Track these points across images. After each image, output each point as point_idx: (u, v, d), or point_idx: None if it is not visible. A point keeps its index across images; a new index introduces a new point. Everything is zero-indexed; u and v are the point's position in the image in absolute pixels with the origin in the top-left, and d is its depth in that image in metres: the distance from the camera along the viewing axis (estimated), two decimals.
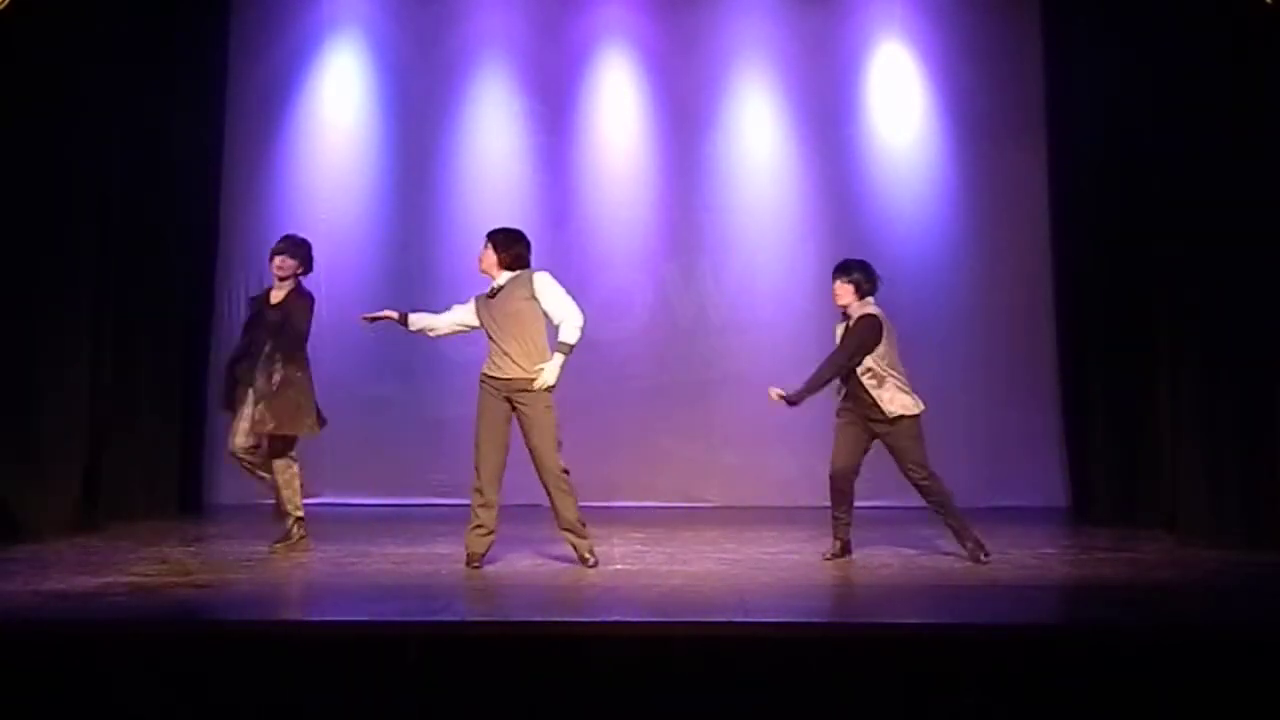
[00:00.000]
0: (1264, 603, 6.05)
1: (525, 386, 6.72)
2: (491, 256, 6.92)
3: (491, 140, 10.41)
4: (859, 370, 7.00)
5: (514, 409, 6.77)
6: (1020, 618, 5.74)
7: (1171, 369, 8.20)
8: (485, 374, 6.85)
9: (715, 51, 10.40)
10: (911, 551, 7.42)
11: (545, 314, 6.85)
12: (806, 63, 10.37)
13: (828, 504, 9.64)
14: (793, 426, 10.13)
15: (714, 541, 7.85)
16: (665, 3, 10.47)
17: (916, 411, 7.04)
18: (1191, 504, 7.80)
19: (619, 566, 6.91)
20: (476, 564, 6.75)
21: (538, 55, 10.41)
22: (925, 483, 7.05)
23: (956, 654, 4.91)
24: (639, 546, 7.63)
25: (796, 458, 10.08)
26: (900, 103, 10.36)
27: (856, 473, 7.20)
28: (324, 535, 7.59)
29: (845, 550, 7.22)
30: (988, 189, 10.20)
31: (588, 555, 6.82)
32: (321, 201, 10.27)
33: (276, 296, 7.29)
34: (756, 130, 10.40)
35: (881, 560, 7.17)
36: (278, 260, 7.32)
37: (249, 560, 6.96)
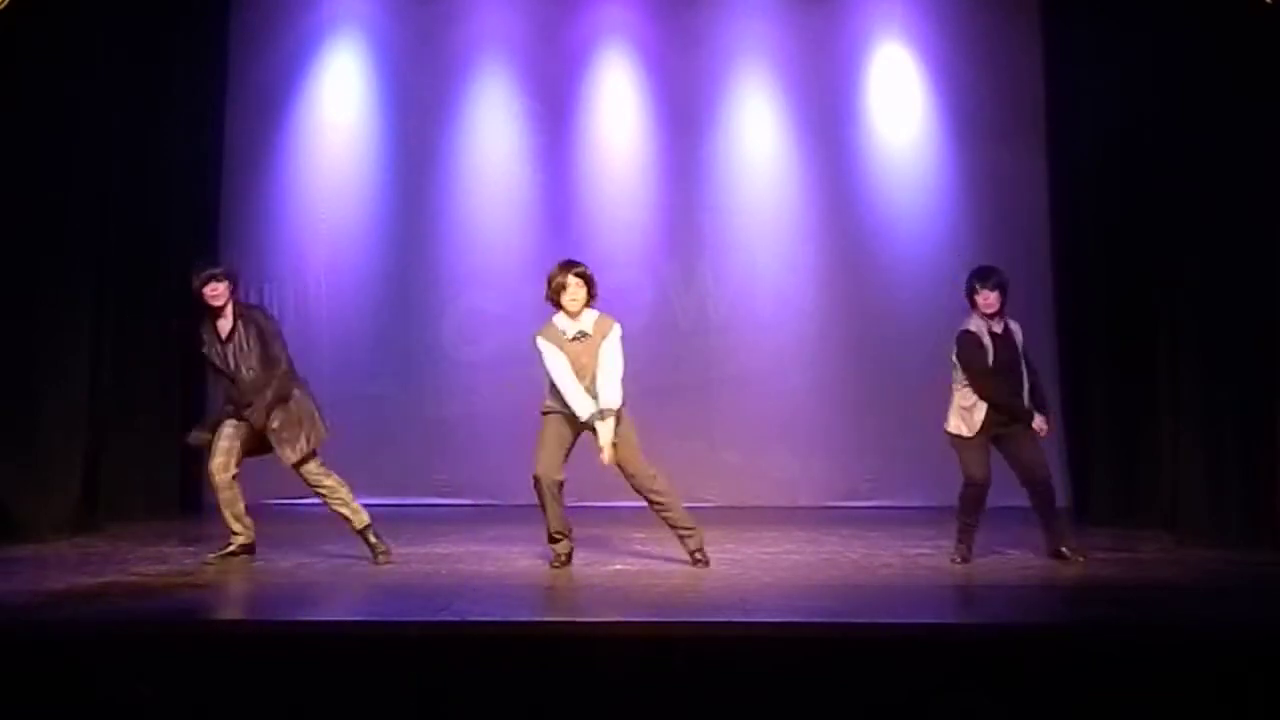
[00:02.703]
0: (1264, 603, 6.05)
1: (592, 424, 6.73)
2: (584, 295, 6.85)
3: (491, 140, 10.40)
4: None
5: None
6: (1020, 618, 5.74)
7: (1171, 369, 8.19)
8: (556, 409, 6.80)
9: (715, 52, 10.39)
10: (912, 551, 7.42)
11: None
12: (806, 63, 10.36)
13: (828, 504, 9.74)
14: (793, 426, 10.18)
15: (714, 541, 7.81)
16: (665, 3, 10.45)
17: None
18: (1191, 504, 7.79)
19: (619, 566, 6.92)
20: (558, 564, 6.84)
21: (537, 55, 10.40)
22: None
23: (956, 654, 4.91)
24: (639, 546, 7.63)
25: (797, 458, 10.10)
26: (900, 103, 10.34)
27: None
28: (324, 535, 7.58)
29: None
30: (988, 189, 10.19)
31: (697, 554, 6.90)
32: (321, 201, 10.28)
33: (225, 326, 6.92)
34: (756, 131, 10.39)
35: (882, 560, 7.17)
36: (220, 288, 6.88)
37: (249, 560, 6.96)
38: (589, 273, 6.88)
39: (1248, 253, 7.48)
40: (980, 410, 6.94)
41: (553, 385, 6.78)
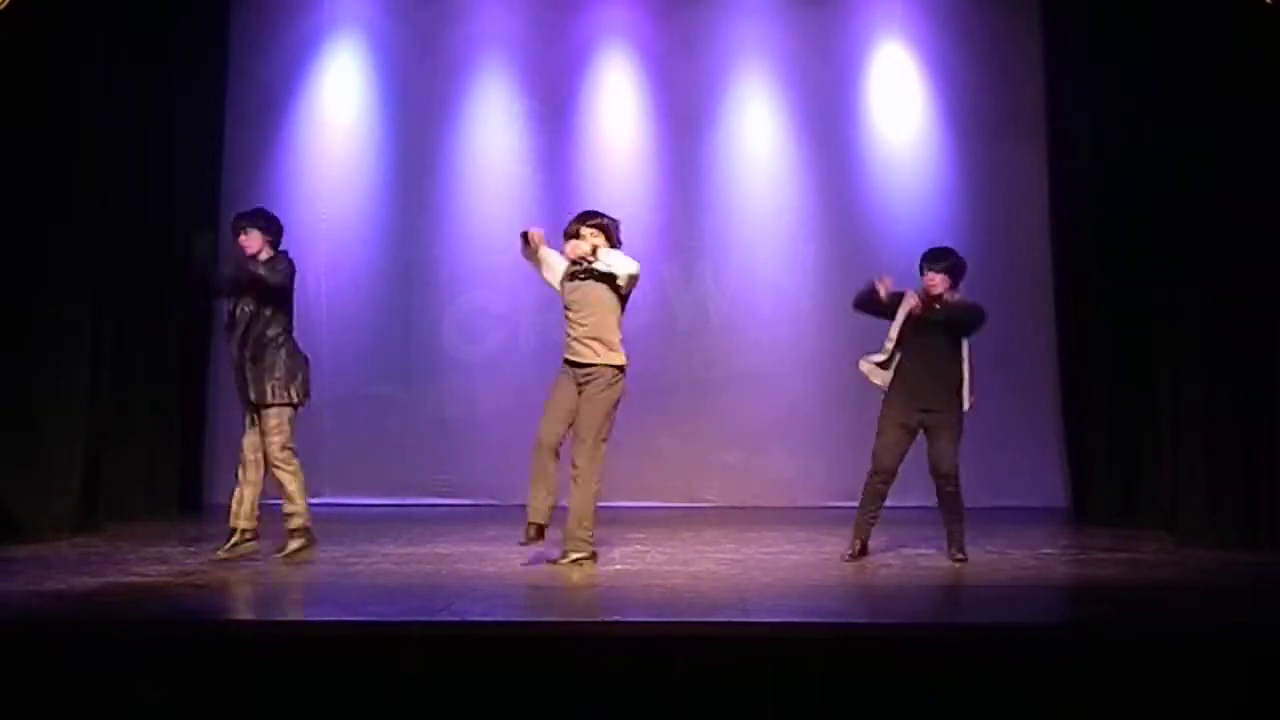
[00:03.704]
0: (1264, 603, 6.05)
1: (592, 376, 6.74)
2: (601, 243, 6.86)
3: (491, 140, 10.41)
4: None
5: (579, 392, 6.79)
6: (1020, 618, 5.73)
7: (1171, 369, 8.20)
8: (565, 358, 6.85)
9: (715, 52, 10.40)
10: (912, 551, 7.41)
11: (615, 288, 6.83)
12: (806, 63, 10.38)
13: (827, 504, 9.73)
14: (793, 426, 10.18)
15: (714, 541, 7.85)
16: (665, 3, 10.47)
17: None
18: (1191, 504, 7.79)
19: (619, 566, 6.91)
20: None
21: (537, 55, 10.42)
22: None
23: (956, 654, 4.91)
24: (639, 546, 7.63)
25: (796, 458, 10.11)
26: (900, 103, 10.36)
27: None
28: (324, 535, 7.57)
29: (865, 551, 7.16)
30: (987, 188, 10.20)
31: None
32: (321, 201, 10.28)
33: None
34: (756, 130, 10.40)
35: (882, 560, 7.17)
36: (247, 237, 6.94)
37: (249, 560, 6.95)
38: (607, 222, 6.90)
39: (1248, 252, 7.48)
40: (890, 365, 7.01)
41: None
